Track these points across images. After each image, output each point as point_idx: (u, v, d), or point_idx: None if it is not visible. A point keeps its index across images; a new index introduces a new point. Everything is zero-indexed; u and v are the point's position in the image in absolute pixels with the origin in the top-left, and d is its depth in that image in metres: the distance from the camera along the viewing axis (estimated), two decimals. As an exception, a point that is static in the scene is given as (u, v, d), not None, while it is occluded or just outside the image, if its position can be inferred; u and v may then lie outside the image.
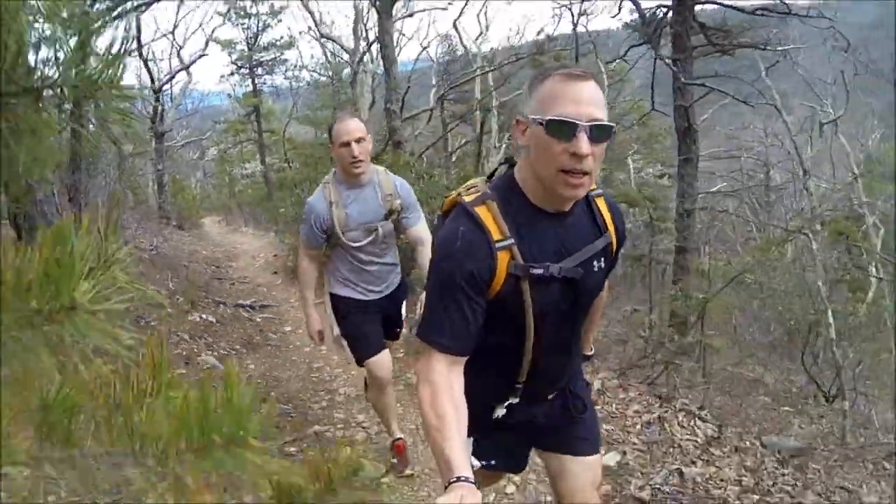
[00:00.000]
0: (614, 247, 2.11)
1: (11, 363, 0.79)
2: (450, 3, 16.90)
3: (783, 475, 5.03)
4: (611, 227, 2.08)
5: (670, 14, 11.60)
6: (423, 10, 23.27)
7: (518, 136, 1.91)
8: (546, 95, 1.80)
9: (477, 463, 2.10)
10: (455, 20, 19.14)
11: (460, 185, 2.08)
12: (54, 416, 0.87)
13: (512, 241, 1.87)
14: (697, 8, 12.11)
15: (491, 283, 1.88)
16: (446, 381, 1.83)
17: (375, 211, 3.93)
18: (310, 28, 24.30)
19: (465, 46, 18.69)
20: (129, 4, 12.87)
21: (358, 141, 3.74)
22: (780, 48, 13.74)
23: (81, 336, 0.79)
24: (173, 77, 21.22)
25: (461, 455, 1.67)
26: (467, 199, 1.95)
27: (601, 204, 2.09)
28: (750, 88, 16.91)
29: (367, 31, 18.87)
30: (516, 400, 2.14)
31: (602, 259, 2.05)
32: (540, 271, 1.89)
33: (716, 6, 12.40)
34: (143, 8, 12.74)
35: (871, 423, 9.51)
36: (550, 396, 2.24)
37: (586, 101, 1.76)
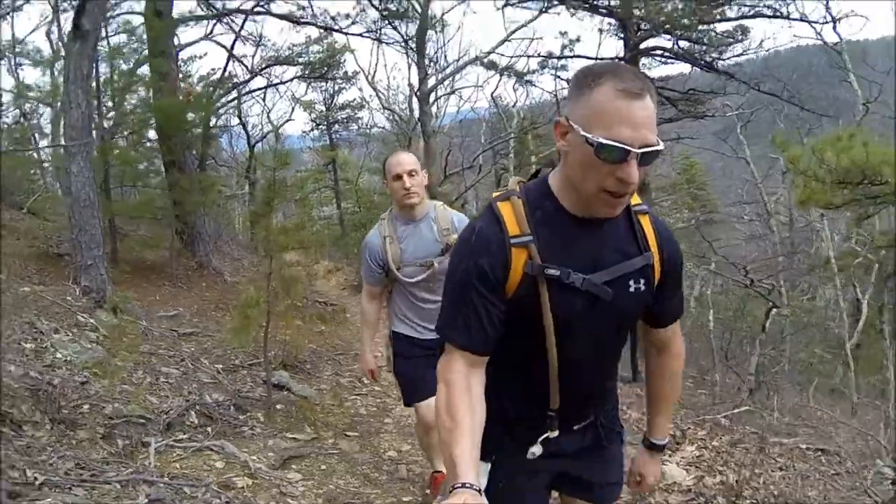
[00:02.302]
0: (657, 271, 1.88)
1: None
2: (485, 82, 20.30)
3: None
4: (654, 248, 1.86)
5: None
6: (463, 88, 26.60)
7: (557, 138, 1.72)
8: (597, 108, 1.60)
9: None
10: (492, 93, 22.94)
11: None
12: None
13: (530, 238, 1.75)
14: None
15: (506, 281, 1.76)
16: (464, 381, 1.76)
17: (431, 246, 3.87)
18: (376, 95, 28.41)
19: (500, 113, 22.88)
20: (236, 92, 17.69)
21: (410, 174, 3.72)
22: (728, 114, 17.64)
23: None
24: (265, 137, 25.90)
25: (469, 461, 1.64)
26: (494, 195, 1.87)
27: (645, 221, 1.88)
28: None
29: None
30: (555, 433, 1.96)
31: (641, 281, 1.84)
32: (556, 273, 1.74)
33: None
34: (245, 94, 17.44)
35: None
36: (577, 427, 2.03)
37: (642, 122, 1.58)
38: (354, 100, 30.33)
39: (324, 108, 29.50)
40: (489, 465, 1.95)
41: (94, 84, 9.00)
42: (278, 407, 5.78)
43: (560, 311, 1.76)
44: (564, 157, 1.72)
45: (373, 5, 11.75)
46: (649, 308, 1.95)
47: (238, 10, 11.87)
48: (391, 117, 23.55)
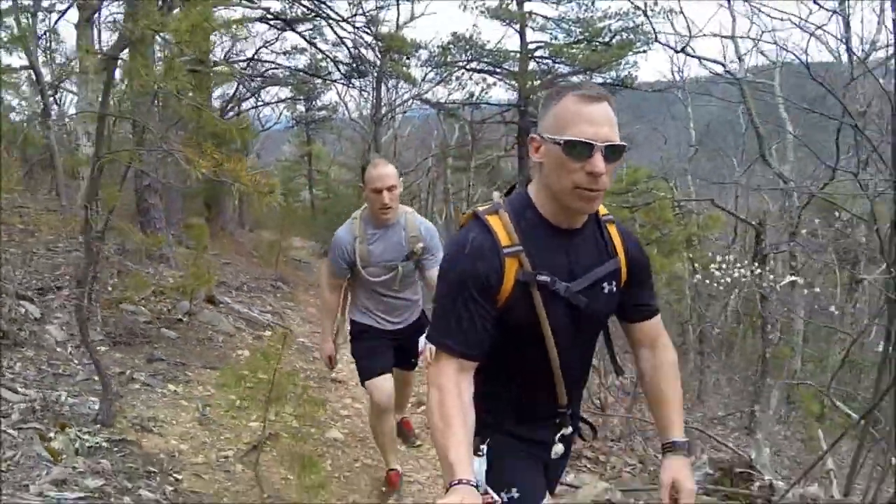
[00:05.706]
0: (624, 272, 2.09)
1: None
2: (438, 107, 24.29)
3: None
4: (620, 252, 2.07)
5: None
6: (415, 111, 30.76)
7: (532, 153, 1.92)
8: (562, 115, 1.82)
9: (496, 498, 1.91)
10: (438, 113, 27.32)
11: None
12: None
13: (520, 248, 1.89)
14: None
15: (499, 288, 1.89)
16: (455, 385, 1.86)
17: (397, 251, 4.04)
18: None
19: (443, 130, 28.63)
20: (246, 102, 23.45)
21: (390, 189, 3.86)
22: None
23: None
24: (256, 136, 30.96)
25: (464, 459, 1.73)
26: (481, 209, 1.99)
27: (612, 229, 2.09)
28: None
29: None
30: (569, 430, 2.17)
31: (613, 283, 2.05)
32: (546, 279, 1.89)
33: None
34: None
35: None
36: (559, 420, 2.17)
37: (601, 121, 1.79)
38: (331, 103, 33.40)
39: (303, 109, 31.81)
40: (485, 447, 2.04)
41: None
42: (278, 294, 12.00)
43: (551, 315, 1.92)
44: (540, 168, 1.90)
45: (339, 71, 17.85)
46: (625, 304, 2.13)
47: (250, 67, 17.91)
48: (356, 127, 28.88)
